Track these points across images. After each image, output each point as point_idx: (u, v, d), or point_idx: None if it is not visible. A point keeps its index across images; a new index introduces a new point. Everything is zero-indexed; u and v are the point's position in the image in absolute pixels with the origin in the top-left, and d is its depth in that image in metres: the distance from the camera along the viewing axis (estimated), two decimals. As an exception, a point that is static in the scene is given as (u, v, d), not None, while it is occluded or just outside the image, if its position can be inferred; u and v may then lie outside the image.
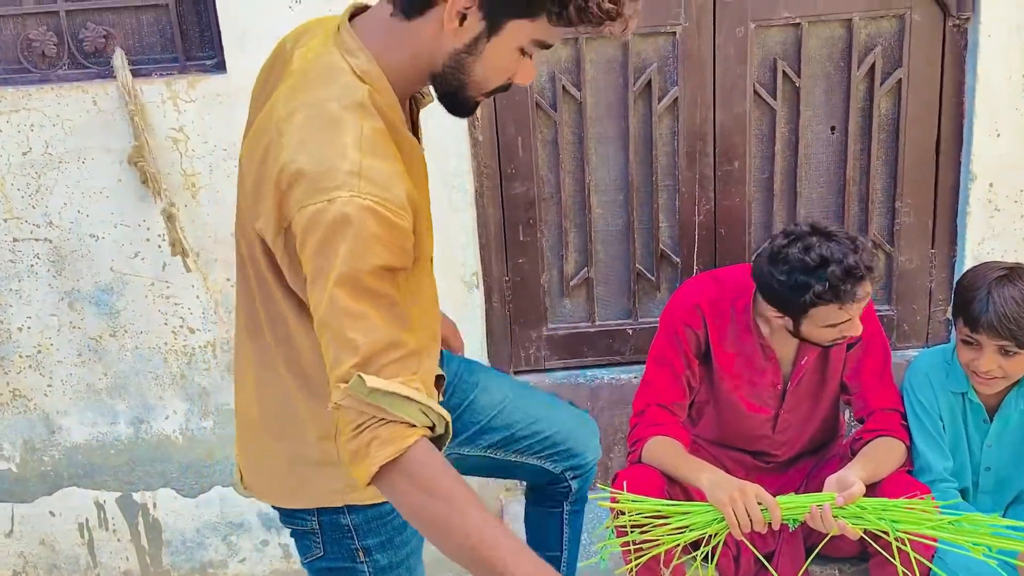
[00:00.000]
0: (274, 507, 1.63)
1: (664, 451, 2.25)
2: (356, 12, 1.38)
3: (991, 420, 2.30)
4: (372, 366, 1.21)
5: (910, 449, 2.31)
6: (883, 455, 2.23)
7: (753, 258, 2.20)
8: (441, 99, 1.38)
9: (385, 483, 1.24)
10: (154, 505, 2.97)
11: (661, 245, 2.88)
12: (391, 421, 1.22)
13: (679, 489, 2.26)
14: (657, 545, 2.06)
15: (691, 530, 2.05)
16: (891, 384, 2.38)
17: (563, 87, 2.73)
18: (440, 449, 1.29)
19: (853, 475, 2.06)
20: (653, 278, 2.91)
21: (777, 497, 2.04)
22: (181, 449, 2.92)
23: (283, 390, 1.48)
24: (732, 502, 2.00)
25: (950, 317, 2.23)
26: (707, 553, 2.08)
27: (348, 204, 1.19)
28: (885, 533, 1.99)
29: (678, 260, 2.89)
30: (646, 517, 2.09)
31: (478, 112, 2.69)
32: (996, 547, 1.93)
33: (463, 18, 1.24)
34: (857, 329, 2.16)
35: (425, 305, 1.48)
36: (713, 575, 2.14)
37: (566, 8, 1.21)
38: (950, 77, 2.74)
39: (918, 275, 2.91)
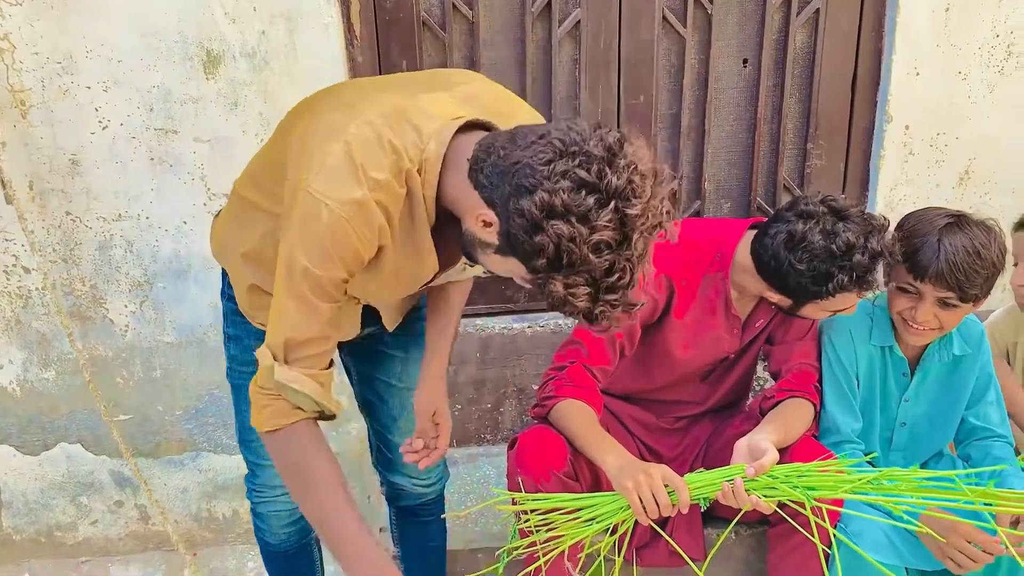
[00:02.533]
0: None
1: (576, 417, 2.04)
2: (480, 125, 1.45)
3: (911, 375, 2.20)
4: (292, 353, 1.47)
5: (819, 412, 2.17)
6: (793, 418, 2.08)
7: (759, 237, 1.96)
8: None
9: (268, 440, 1.54)
10: (-10, 464, 2.66)
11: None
12: (286, 400, 1.49)
13: (583, 460, 2.07)
14: (562, 541, 1.87)
15: (598, 521, 1.86)
16: (814, 338, 2.24)
17: (453, 4, 2.45)
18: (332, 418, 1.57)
19: (764, 440, 1.88)
20: (550, 220, 2.68)
21: (685, 476, 1.86)
22: (19, 402, 2.60)
23: (252, 226, 1.65)
24: (637, 487, 1.81)
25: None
26: (612, 535, 1.90)
27: (339, 220, 1.37)
28: (800, 504, 1.83)
29: (577, 201, 2.66)
30: (551, 513, 1.90)
31: (356, 30, 2.41)
32: (920, 503, 1.79)
33: (486, 224, 1.34)
34: (853, 310, 2.00)
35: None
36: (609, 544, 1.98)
37: (538, 276, 1.28)
38: (870, 9, 2.55)
39: (827, 222, 2.76)
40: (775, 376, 2.25)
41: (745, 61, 2.61)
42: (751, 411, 2.26)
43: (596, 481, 2.10)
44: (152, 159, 2.39)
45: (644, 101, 2.58)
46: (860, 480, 1.79)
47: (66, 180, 2.38)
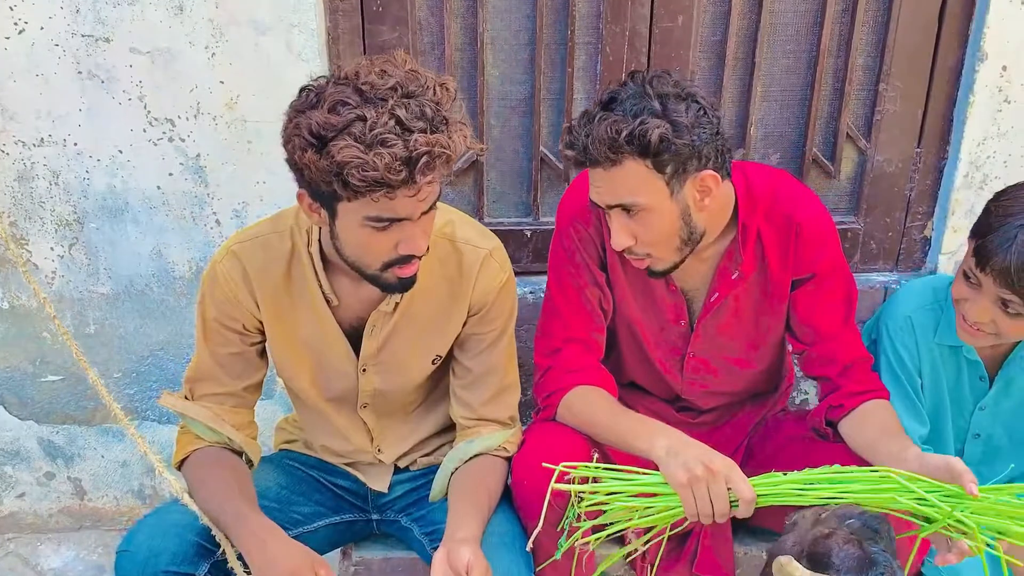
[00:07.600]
0: None
1: (592, 408, 1.70)
2: None
3: (990, 380, 1.85)
4: (194, 388, 1.70)
5: None
6: (893, 418, 1.72)
7: None
8: None
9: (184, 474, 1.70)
10: (-102, 428, 2.31)
11: (574, 122, 2.21)
12: (188, 431, 1.71)
13: (601, 455, 1.70)
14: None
15: (655, 513, 1.53)
16: (855, 327, 1.85)
17: None
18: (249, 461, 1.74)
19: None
20: (561, 165, 2.25)
21: (752, 479, 1.51)
22: (-71, 357, 2.24)
23: None
24: (694, 483, 1.48)
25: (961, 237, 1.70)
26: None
27: (214, 265, 1.63)
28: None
29: (595, 143, 2.23)
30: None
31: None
32: None
33: (314, 210, 1.47)
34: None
35: None
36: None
37: (347, 189, 1.35)
38: (969, -82, 2.07)
39: (897, 180, 2.31)
40: (817, 378, 1.84)
41: (809, -21, 2.14)
42: (812, 417, 1.83)
43: None
44: (80, 72, 2.00)
45: (682, 24, 2.13)
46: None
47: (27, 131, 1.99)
